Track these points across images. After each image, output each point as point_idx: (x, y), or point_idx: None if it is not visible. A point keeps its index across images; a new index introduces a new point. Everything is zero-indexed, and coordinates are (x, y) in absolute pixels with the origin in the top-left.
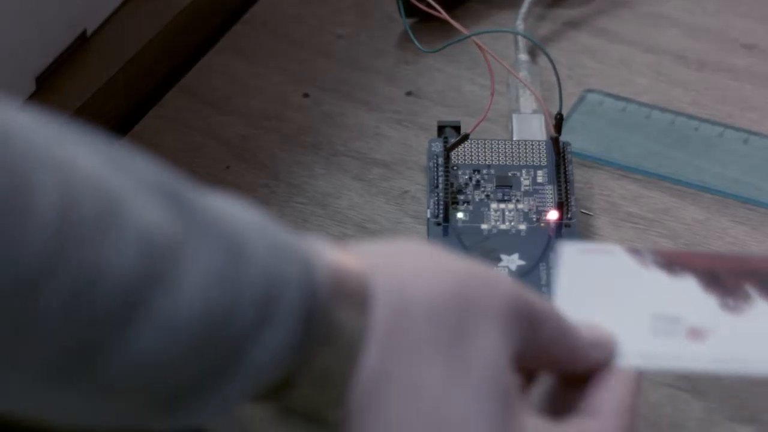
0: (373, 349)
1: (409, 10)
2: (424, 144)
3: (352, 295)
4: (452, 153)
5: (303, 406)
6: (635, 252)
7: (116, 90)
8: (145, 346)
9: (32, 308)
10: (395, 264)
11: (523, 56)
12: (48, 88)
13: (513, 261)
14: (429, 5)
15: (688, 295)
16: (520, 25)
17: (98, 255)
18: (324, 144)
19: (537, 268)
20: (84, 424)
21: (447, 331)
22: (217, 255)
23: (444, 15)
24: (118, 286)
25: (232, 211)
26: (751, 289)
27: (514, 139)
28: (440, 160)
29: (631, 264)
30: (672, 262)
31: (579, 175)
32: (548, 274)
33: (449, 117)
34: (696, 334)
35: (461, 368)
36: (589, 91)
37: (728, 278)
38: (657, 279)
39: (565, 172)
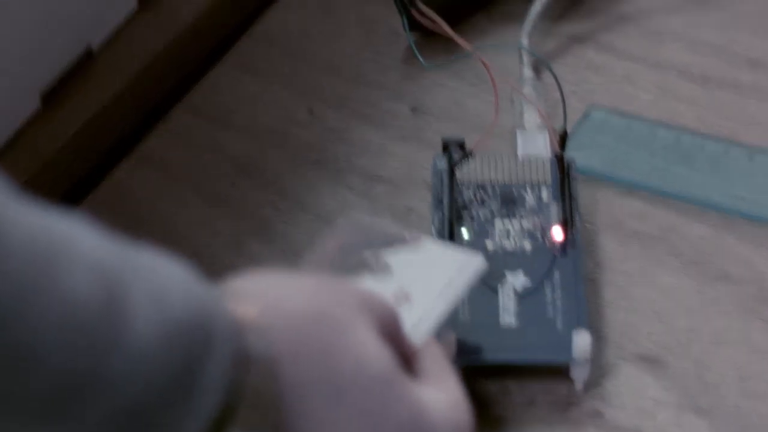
0: (285, 365)
1: (414, 26)
2: (428, 160)
3: (252, 329)
4: (457, 169)
5: None
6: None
7: (121, 106)
8: (121, 369)
9: (18, 344)
10: (269, 296)
11: (528, 72)
12: (54, 105)
13: (517, 279)
14: (433, 21)
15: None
16: (524, 41)
17: (66, 288)
18: (329, 160)
19: (541, 287)
20: None
21: (330, 332)
22: (154, 286)
23: (448, 31)
24: (89, 315)
25: (156, 257)
26: (365, 259)
27: (519, 154)
28: (445, 177)
29: None
30: (320, 266)
31: (584, 192)
32: (553, 293)
33: (453, 133)
34: (403, 298)
35: (354, 353)
36: (594, 107)
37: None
38: None
39: (569, 189)
